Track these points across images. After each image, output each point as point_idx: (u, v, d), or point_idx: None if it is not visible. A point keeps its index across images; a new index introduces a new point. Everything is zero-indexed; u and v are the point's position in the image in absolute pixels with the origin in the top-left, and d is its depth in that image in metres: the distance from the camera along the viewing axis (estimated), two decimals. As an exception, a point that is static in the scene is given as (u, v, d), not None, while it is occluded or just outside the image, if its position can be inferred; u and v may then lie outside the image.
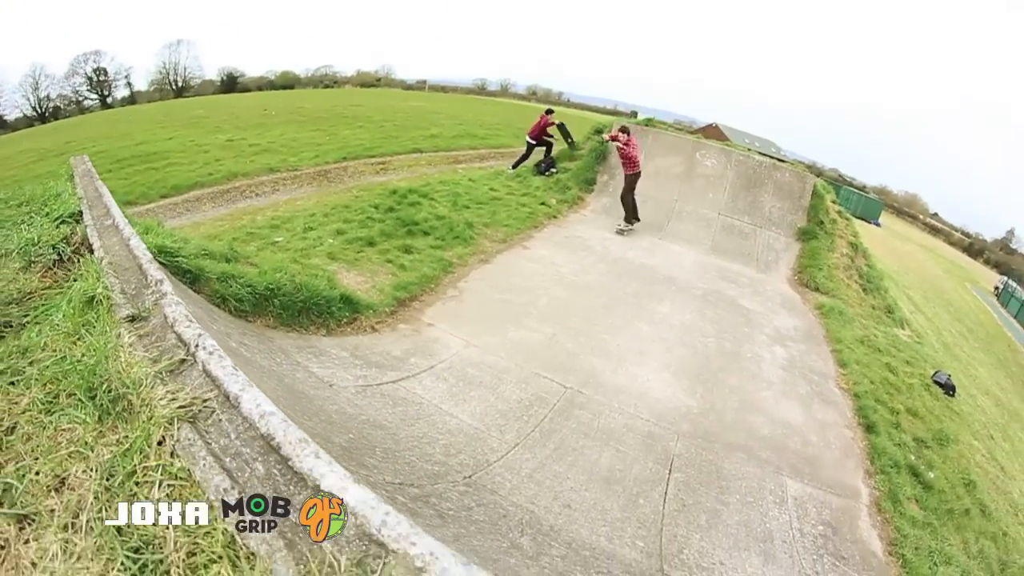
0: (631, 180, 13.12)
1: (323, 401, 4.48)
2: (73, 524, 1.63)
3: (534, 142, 17.16)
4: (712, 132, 55.44)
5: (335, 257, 8.74)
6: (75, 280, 3.17)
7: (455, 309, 7.92)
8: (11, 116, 72.95)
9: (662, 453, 5.70)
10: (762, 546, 4.87)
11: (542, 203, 13.66)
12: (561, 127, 17.35)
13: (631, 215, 13.37)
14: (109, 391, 2.13)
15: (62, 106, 77.78)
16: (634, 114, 22.40)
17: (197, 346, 2.34)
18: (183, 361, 2.31)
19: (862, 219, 52.20)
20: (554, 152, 17.07)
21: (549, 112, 17.46)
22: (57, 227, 4.04)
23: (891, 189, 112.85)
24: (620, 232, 13.00)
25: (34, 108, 75.91)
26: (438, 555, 1.45)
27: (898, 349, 10.44)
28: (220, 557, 1.49)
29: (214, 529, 1.57)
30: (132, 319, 2.69)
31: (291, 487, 1.71)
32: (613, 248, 11.62)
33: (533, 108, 77.79)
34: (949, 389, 9.66)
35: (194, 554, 1.52)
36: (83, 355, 2.40)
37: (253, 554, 1.49)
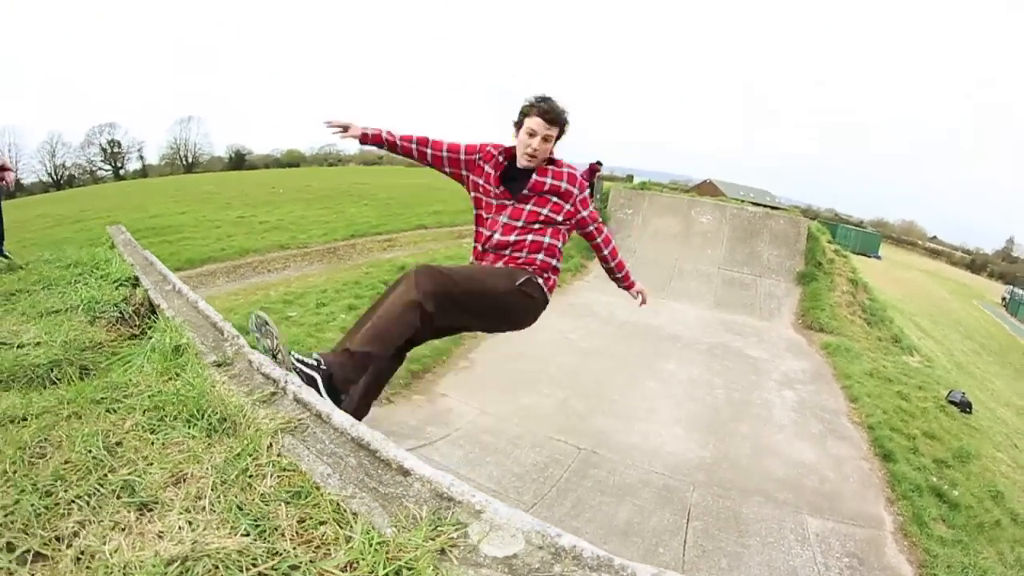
0: None
1: None
2: (195, 507, 1.86)
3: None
4: (707, 188, 55.82)
5: None
6: (152, 334, 3.41)
7: (468, 379, 8.07)
8: (28, 180, 74.85)
9: (679, 504, 5.79)
10: (787, 584, 4.91)
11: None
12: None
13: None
14: (215, 413, 2.38)
15: (76, 175, 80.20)
16: (630, 178, 22.78)
17: (286, 381, 2.69)
18: (274, 394, 2.64)
19: (862, 254, 52.07)
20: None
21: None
22: (116, 288, 4.34)
23: (888, 220, 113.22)
24: None
25: (50, 174, 78.55)
26: (491, 502, 1.88)
27: (909, 376, 10.51)
28: (327, 519, 1.80)
29: (321, 500, 1.89)
30: (219, 364, 2.96)
31: (379, 470, 2.12)
32: (618, 312, 11.74)
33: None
34: (965, 407, 9.68)
35: (303, 520, 1.82)
36: (180, 388, 2.61)
37: (355, 514, 1.82)
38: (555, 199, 3.73)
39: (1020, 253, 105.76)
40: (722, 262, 15.15)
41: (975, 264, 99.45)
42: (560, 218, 3.72)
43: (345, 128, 3.95)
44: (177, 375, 2.82)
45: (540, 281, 3.64)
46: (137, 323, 3.91)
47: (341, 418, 2.44)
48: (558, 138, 3.84)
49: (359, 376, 3.13)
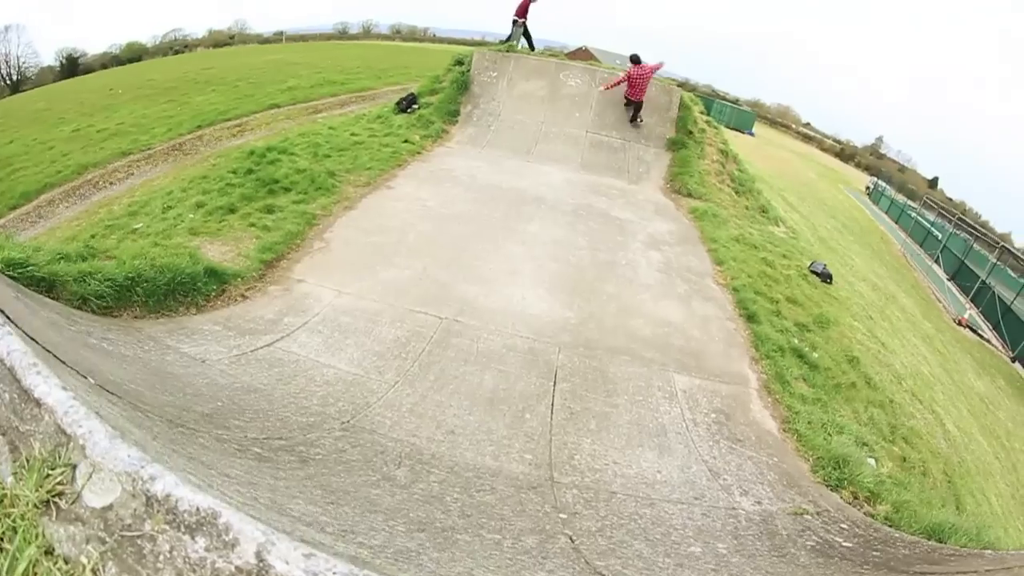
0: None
1: (192, 377, 4.34)
2: None
3: (522, 19, 17.73)
4: (582, 55, 55.48)
5: (197, 232, 8.21)
6: None
7: (323, 261, 7.59)
8: None
9: (545, 367, 5.62)
10: (656, 440, 4.88)
11: (405, 141, 13.23)
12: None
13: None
14: None
15: None
16: (501, 43, 22.23)
17: None
18: None
19: (736, 130, 53.48)
20: (448, 78, 16.74)
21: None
22: None
23: (764, 102, 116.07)
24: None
25: None
26: (93, 432, 1.63)
27: (774, 244, 10.74)
28: None
29: None
30: None
31: (22, 404, 1.86)
32: (480, 176, 11.36)
33: (398, 47, 76.05)
34: (826, 277, 10.01)
35: None
36: None
37: None
38: None
39: (888, 152, 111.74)
40: (590, 126, 14.91)
41: (844, 153, 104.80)
42: None
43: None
44: None
45: None
46: None
47: (3, 347, 2.13)
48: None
49: None
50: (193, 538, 1.30)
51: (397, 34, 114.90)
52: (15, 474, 1.56)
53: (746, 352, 6.63)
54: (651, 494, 4.23)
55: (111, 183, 18.16)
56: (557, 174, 12.61)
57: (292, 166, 10.68)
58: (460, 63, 16.95)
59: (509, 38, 17.95)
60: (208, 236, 8.00)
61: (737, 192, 14.04)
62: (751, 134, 61.07)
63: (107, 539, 1.32)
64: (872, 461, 5.37)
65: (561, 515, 3.72)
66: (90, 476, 1.48)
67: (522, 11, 17.67)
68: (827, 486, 4.82)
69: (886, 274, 22.18)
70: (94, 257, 6.20)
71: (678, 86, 17.32)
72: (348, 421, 4.31)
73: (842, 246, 22.05)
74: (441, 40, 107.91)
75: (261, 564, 1.27)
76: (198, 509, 1.34)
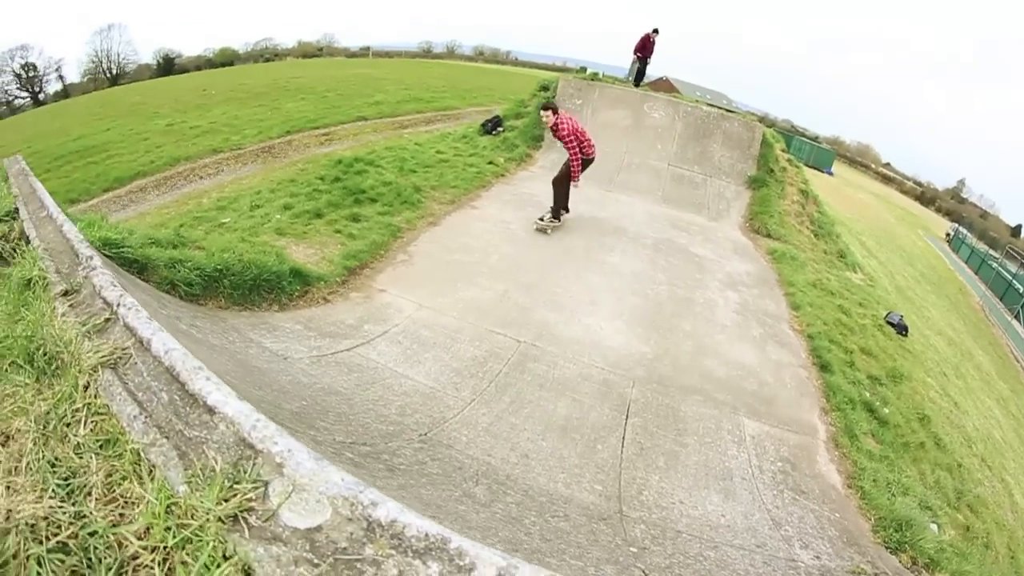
0: (570, 167, 9.97)
1: (276, 373, 4.43)
2: (15, 469, 1.78)
3: (640, 55, 18.44)
4: (663, 85, 55.14)
5: (283, 232, 8.59)
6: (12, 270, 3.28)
7: (406, 273, 7.77)
8: None
9: (618, 400, 5.67)
10: (722, 484, 4.89)
11: (490, 162, 13.53)
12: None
13: (560, 206, 10.36)
14: (44, 354, 2.33)
15: None
16: (583, 69, 22.46)
17: (119, 304, 2.54)
18: (107, 320, 2.51)
19: (815, 168, 52.55)
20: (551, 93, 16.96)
21: (656, 31, 18.37)
22: None
23: (844, 139, 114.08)
24: (541, 230, 9.95)
25: None
26: (293, 452, 1.64)
27: (851, 291, 10.57)
28: (129, 473, 1.68)
29: (125, 449, 1.77)
30: (66, 293, 2.84)
31: (187, 408, 1.92)
32: (563, 202, 11.38)
33: (480, 69, 77.03)
34: (902, 329, 9.80)
35: (111, 474, 1.71)
36: (21, 331, 2.55)
37: (154, 466, 1.69)
38: None
39: (969, 196, 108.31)
40: (672, 159, 14.90)
41: (924, 196, 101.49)
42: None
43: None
44: (23, 313, 2.80)
45: None
46: (14, 259, 3.68)
47: (159, 344, 2.23)
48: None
49: None
50: (424, 563, 1.32)
51: (480, 56, 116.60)
52: (189, 483, 1.57)
53: (817, 402, 6.55)
54: (715, 537, 4.27)
55: (200, 177, 18.73)
56: (639, 205, 12.72)
57: (379, 178, 11.00)
58: (545, 88, 17.28)
59: (633, 74, 18.33)
60: (294, 237, 8.34)
61: (816, 235, 13.85)
62: (830, 173, 60.02)
63: (319, 562, 1.35)
64: (935, 526, 5.29)
65: (632, 548, 3.80)
66: (289, 495, 1.50)
67: (641, 47, 17.97)
68: (887, 548, 4.75)
69: (963, 328, 21.59)
70: (184, 245, 6.53)
71: (758, 120, 17.20)
72: (425, 434, 4.43)
73: (919, 296, 21.57)
74: (522, 64, 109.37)
75: (505, 587, 1.31)
76: (427, 535, 1.39)
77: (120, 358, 2.21)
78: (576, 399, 5.53)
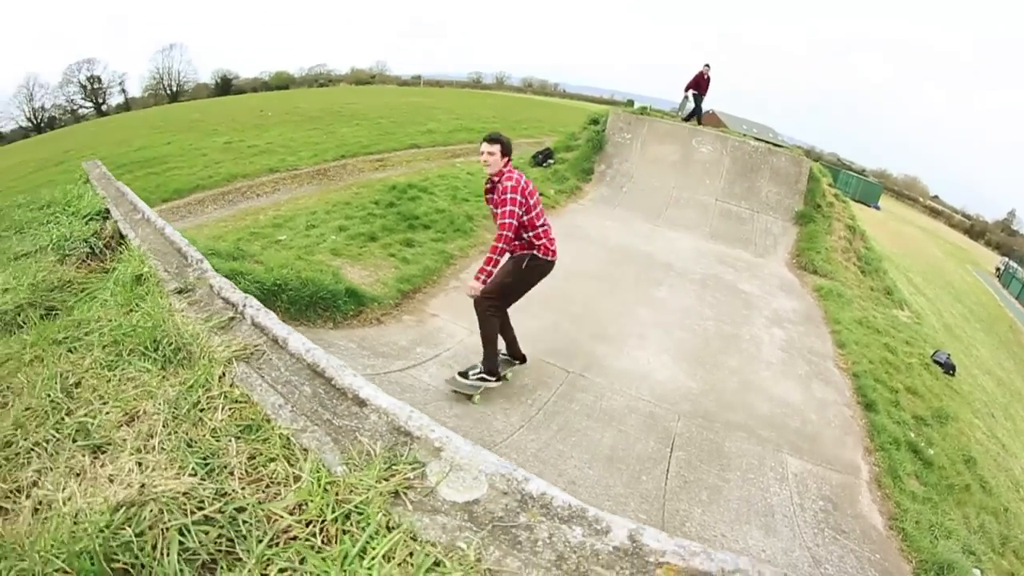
0: (513, 275, 6.07)
1: None
2: (146, 446, 1.90)
3: (692, 92, 18.34)
4: (710, 119, 54.80)
5: (339, 253, 8.84)
6: (116, 266, 3.45)
7: (458, 300, 7.92)
8: (6, 128, 73.51)
9: (664, 432, 5.79)
10: (763, 520, 4.96)
11: (540, 194, 13.57)
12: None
13: (490, 361, 5.85)
14: (170, 344, 2.46)
15: (57, 116, 78.15)
16: (630, 103, 22.52)
17: (244, 305, 2.76)
18: (232, 319, 2.69)
19: (861, 203, 51.68)
20: (599, 127, 17.14)
21: (707, 67, 18.43)
22: (86, 224, 4.26)
23: (891, 172, 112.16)
24: (459, 391, 5.76)
25: (29, 119, 76.49)
26: (451, 438, 1.85)
27: (897, 330, 10.50)
28: (276, 456, 1.81)
29: (271, 434, 1.91)
30: (180, 291, 2.98)
31: (334, 400, 2.12)
32: (612, 237, 11.68)
33: (529, 100, 77.61)
34: (949, 368, 9.71)
35: (254, 456, 1.83)
36: (139, 321, 2.70)
37: (306, 449, 1.82)
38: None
39: (1020, 227, 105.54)
40: (720, 194, 14.98)
41: (974, 230, 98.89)
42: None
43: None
44: (137, 306, 2.91)
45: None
46: (108, 256, 3.94)
47: (297, 343, 2.44)
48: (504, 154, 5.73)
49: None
50: (570, 527, 1.51)
51: (528, 87, 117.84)
52: (347, 464, 1.73)
53: (860, 441, 6.56)
54: (756, 572, 4.37)
55: (258, 195, 19.06)
56: (686, 241, 12.80)
57: (432, 205, 11.27)
58: (595, 122, 17.42)
59: (691, 113, 18.46)
60: (349, 259, 8.60)
61: (863, 271, 13.77)
62: (877, 207, 58.68)
63: (478, 528, 1.52)
64: (977, 572, 5.24)
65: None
66: (447, 474, 1.68)
67: (694, 84, 18.13)
68: (927, 592, 4.81)
69: (1013, 368, 21.14)
70: (243, 258, 6.87)
71: (804, 154, 17.18)
72: None
73: (967, 334, 21.22)
74: (570, 96, 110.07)
75: (635, 544, 1.52)
76: (569, 505, 1.58)
77: (252, 353, 2.39)
78: (622, 430, 5.66)
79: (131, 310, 2.87)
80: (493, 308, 5.90)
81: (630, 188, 14.58)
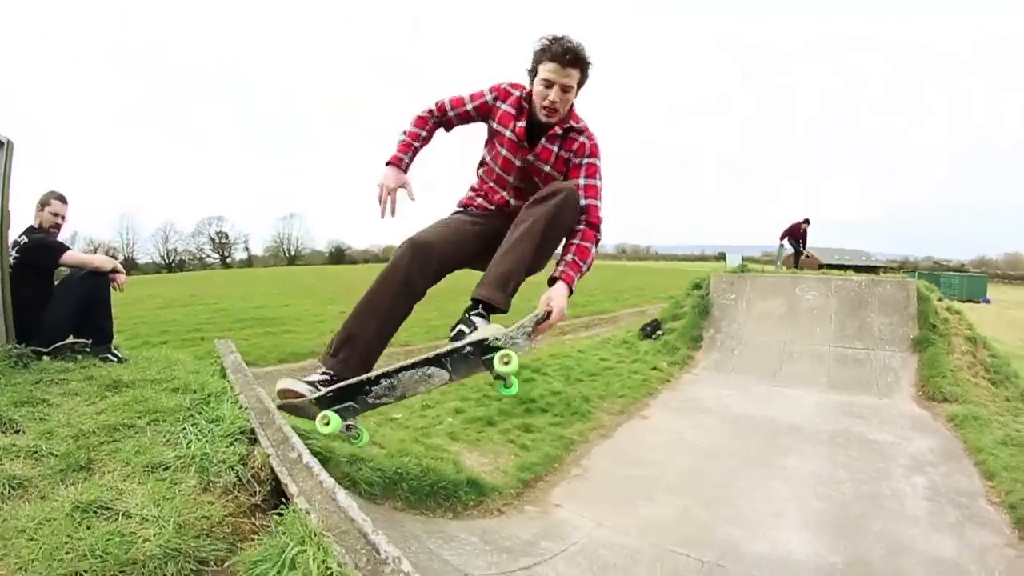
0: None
1: None
2: None
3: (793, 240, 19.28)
4: (807, 262, 54.67)
5: (456, 437, 9.03)
6: (280, 531, 2.81)
7: (581, 488, 7.98)
8: (142, 260, 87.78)
9: (814, 624, 5.48)
10: None
11: (653, 368, 13.89)
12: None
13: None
14: None
15: (187, 260, 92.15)
16: (721, 256, 22.75)
17: None
18: None
19: (970, 300, 49.26)
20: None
21: (807, 222, 19.33)
22: (230, 444, 3.82)
23: (989, 256, 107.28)
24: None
25: (163, 257, 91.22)
26: None
27: None
28: None
29: None
30: None
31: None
32: (732, 406, 11.59)
33: (625, 268, 78.87)
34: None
35: None
36: None
37: None
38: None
39: None
40: (832, 339, 14.77)
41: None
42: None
43: (393, 193, 3.86)
44: None
45: None
46: (256, 492, 3.46)
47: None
48: (580, 85, 3.58)
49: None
50: None
51: (623, 253, 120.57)
52: None
53: None
54: None
55: (373, 369, 19.65)
56: (807, 398, 12.57)
57: (547, 387, 11.52)
58: (698, 287, 17.81)
59: (782, 259, 18.74)
60: (468, 444, 8.77)
61: (994, 383, 13.10)
62: (987, 301, 55.64)
63: None
64: None
65: None
66: None
67: (790, 233, 18.46)
68: None
69: None
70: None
71: (898, 268, 16.83)
72: None
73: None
74: (663, 257, 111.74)
75: None
76: None
77: None
78: (771, 626, 5.43)
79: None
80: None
81: (741, 350, 14.61)
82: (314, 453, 5.14)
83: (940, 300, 15.99)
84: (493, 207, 4.04)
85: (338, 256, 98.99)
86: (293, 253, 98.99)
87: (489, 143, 4.02)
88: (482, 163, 4.13)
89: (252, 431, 4.08)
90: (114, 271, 7.35)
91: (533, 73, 3.61)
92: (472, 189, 4.23)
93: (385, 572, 2.42)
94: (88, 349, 6.84)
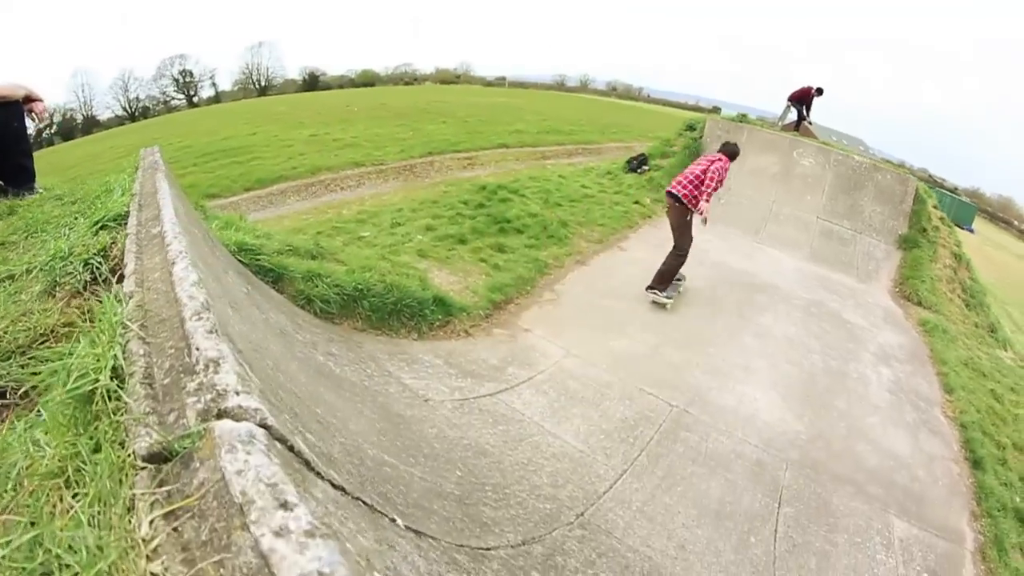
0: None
1: (421, 422, 4.40)
2: None
3: (793, 104, 18.88)
4: (803, 131, 53.83)
5: (425, 255, 8.70)
6: (85, 335, 1.96)
7: (553, 314, 7.79)
8: (104, 116, 79.96)
9: (771, 484, 5.52)
10: (870, 595, 4.69)
11: (636, 202, 13.51)
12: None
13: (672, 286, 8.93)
14: None
15: (151, 106, 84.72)
16: (716, 110, 22.27)
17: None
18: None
19: (955, 224, 49.28)
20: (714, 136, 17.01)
21: (819, 91, 18.65)
22: (95, 234, 3.07)
23: (984, 192, 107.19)
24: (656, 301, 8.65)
25: (124, 108, 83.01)
26: None
27: (1002, 374, 9.84)
28: None
29: None
30: (153, 459, 1.35)
31: None
32: (711, 253, 11.30)
33: (614, 104, 77.74)
34: (1058, 423, 9.02)
35: None
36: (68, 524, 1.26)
37: None
38: None
39: None
40: (821, 211, 14.44)
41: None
42: None
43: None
44: (75, 480, 1.40)
45: None
46: (113, 284, 2.53)
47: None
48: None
49: None
50: None
51: (613, 91, 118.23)
52: None
53: (967, 504, 6.14)
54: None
55: (342, 188, 19.42)
56: (788, 261, 12.42)
57: (524, 208, 11.09)
58: (692, 128, 17.25)
59: (785, 119, 18.19)
60: (436, 262, 8.43)
61: (968, 305, 13.12)
62: (971, 230, 55.65)
63: None
64: None
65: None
66: None
67: (797, 97, 17.81)
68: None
69: None
70: (323, 257, 6.56)
71: (902, 169, 16.51)
72: (582, 514, 4.35)
73: (1075, 381, 20.10)
74: (654, 101, 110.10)
75: None
76: None
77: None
78: (729, 479, 5.40)
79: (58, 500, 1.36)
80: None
81: (728, 200, 14.09)
82: (267, 269, 4.99)
83: (936, 208, 15.64)
84: None
85: (312, 83, 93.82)
86: (264, 84, 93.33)
87: None
88: None
89: (128, 214, 3.26)
90: (28, 99, 6.17)
91: None
92: None
93: (189, 387, 1.52)
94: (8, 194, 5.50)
